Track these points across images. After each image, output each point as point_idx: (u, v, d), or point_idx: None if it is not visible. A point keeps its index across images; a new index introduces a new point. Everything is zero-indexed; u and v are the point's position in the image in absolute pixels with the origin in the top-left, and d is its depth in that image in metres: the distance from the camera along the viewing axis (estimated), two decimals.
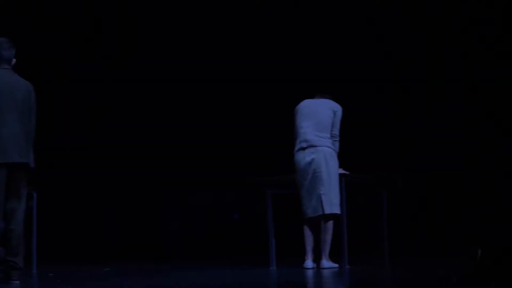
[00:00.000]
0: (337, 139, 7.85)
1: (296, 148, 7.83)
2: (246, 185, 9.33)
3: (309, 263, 7.66)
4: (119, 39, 11.92)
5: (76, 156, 11.82)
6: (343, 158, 7.86)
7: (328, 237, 7.70)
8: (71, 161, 11.75)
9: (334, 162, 7.75)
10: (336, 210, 7.71)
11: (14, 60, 6.84)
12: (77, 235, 11.68)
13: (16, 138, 6.65)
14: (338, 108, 7.90)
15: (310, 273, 7.22)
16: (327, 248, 7.68)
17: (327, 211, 7.67)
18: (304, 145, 7.77)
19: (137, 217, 12.09)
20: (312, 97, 8.03)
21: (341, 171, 7.83)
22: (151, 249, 11.56)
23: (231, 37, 11.56)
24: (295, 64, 11.05)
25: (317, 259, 7.69)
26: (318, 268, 7.59)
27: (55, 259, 9.91)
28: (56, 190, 10.97)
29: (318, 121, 7.79)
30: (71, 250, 11.29)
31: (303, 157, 7.74)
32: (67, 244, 11.39)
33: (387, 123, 10.82)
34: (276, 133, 10.40)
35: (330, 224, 7.73)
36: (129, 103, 11.93)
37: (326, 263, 7.64)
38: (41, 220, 8.36)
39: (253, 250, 9.78)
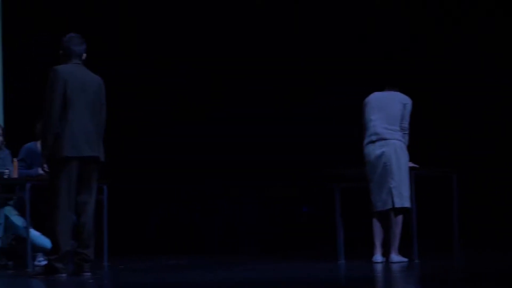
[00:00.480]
0: (407, 132, 7.76)
1: (366, 141, 7.76)
2: (314, 178, 9.33)
3: (378, 257, 7.59)
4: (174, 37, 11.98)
5: (145, 149, 11.94)
6: (412, 151, 7.77)
7: (397, 231, 7.63)
8: (141, 155, 11.88)
9: (404, 155, 7.67)
10: (407, 203, 7.63)
11: (84, 55, 6.93)
12: (148, 228, 11.80)
13: (87, 132, 6.73)
14: (408, 100, 7.81)
15: (379, 267, 7.16)
16: (396, 242, 7.60)
17: (398, 204, 7.59)
18: (374, 138, 7.70)
19: (209, 210, 12.15)
20: (381, 89, 7.95)
21: (411, 164, 7.74)
22: (222, 243, 11.61)
23: (295, 35, 11.56)
24: (360, 58, 11.02)
25: (386, 253, 7.63)
26: (387, 262, 7.53)
27: (126, 252, 10.04)
28: (125, 183, 11.10)
29: (387, 113, 7.71)
30: (141, 243, 11.42)
31: (373, 150, 7.67)
32: (138, 237, 11.52)
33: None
34: (342, 126, 10.37)
35: (400, 217, 7.65)
36: (195, 96, 12.00)
37: (395, 257, 7.57)
38: (111, 213, 8.48)
39: (321, 244, 9.76)
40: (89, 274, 6.68)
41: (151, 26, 11.86)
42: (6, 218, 8.05)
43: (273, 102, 11.66)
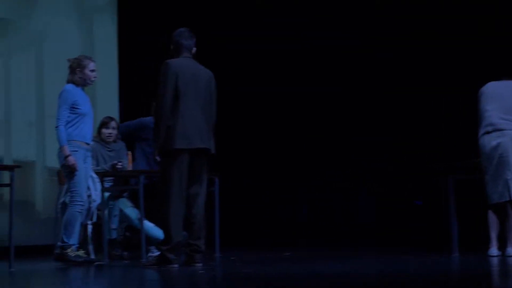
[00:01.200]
0: None
1: (481, 132, 7.58)
2: (427, 171, 9.16)
3: (493, 250, 7.41)
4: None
5: (255, 141, 12.00)
6: None
7: None
8: (251, 146, 11.96)
9: None
10: None
11: (194, 49, 7.01)
12: (260, 219, 11.85)
13: (198, 125, 6.81)
14: None
15: (495, 261, 6.98)
16: None
17: None
18: (489, 129, 7.51)
19: (321, 205, 12.12)
20: (498, 79, 7.74)
21: None
22: (335, 236, 11.56)
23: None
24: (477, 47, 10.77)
25: (502, 247, 7.43)
26: (503, 256, 7.33)
27: (238, 243, 10.11)
28: (237, 175, 11.19)
29: (504, 103, 7.52)
30: (253, 234, 11.48)
31: (488, 141, 7.49)
32: (250, 229, 11.59)
33: None
34: (458, 117, 10.17)
35: None
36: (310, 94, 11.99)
37: None
38: (224, 205, 8.54)
39: (435, 237, 9.61)
40: (200, 265, 6.77)
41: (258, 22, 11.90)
42: (121, 210, 8.22)
43: (391, 97, 11.52)
